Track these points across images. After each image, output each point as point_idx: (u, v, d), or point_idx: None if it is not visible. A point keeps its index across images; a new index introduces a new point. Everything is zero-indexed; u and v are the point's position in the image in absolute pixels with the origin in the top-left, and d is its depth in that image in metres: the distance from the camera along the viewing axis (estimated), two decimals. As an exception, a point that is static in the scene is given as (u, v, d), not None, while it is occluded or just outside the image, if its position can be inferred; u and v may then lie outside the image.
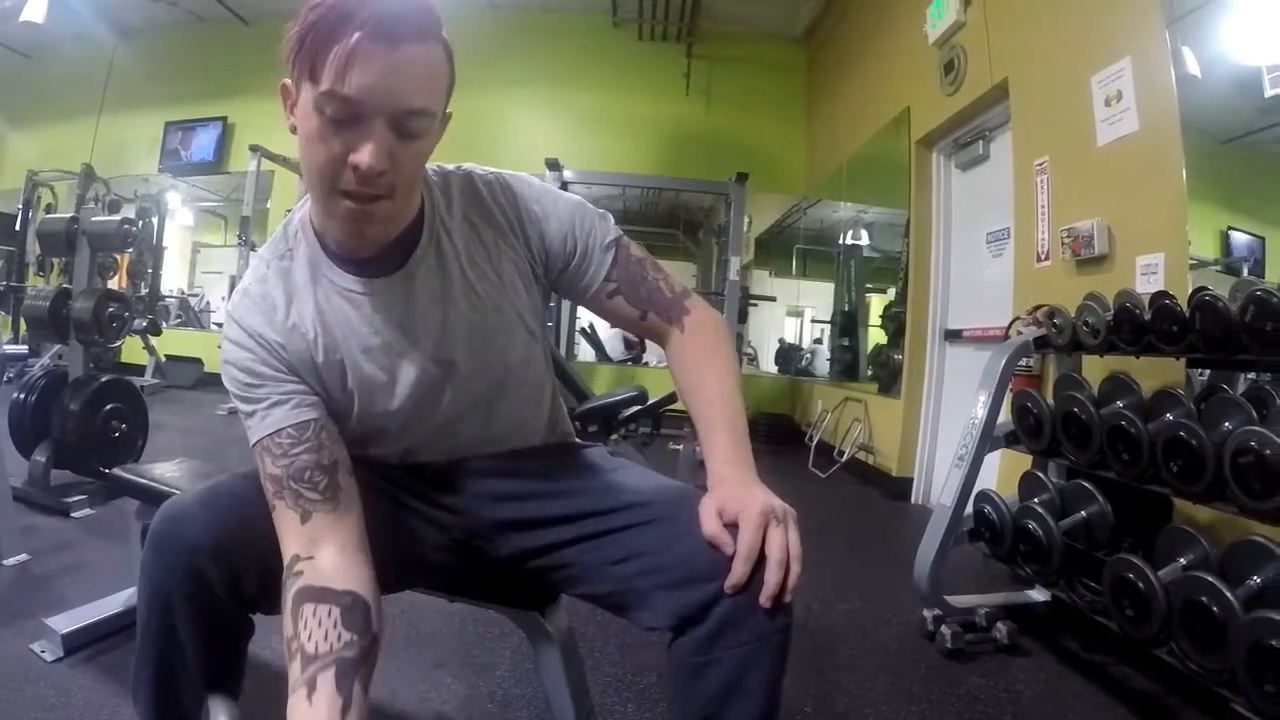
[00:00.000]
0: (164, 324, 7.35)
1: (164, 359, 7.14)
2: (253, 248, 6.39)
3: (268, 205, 7.41)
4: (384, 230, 0.89)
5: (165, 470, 1.81)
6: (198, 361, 7.52)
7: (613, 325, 1.12)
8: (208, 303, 11.09)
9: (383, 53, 0.75)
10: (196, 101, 7.86)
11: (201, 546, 0.83)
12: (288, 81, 0.83)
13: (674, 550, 0.86)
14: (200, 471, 1.87)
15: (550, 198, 1.03)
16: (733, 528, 0.81)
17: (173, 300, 9.31)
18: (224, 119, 7.76)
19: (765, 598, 0.77)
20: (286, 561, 0.85)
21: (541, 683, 1.23)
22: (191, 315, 9.72)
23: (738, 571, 0.78)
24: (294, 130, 0.83)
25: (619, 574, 0.91)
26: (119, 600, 1.88)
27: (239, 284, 0.96)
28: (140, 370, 6.76)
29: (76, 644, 1.73)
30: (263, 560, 0.86)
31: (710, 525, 0.82)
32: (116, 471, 1.79)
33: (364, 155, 0.77)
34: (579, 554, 0.96)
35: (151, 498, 1.72)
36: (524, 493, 1.03)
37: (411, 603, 1.07)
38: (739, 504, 0.82)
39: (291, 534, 0.86)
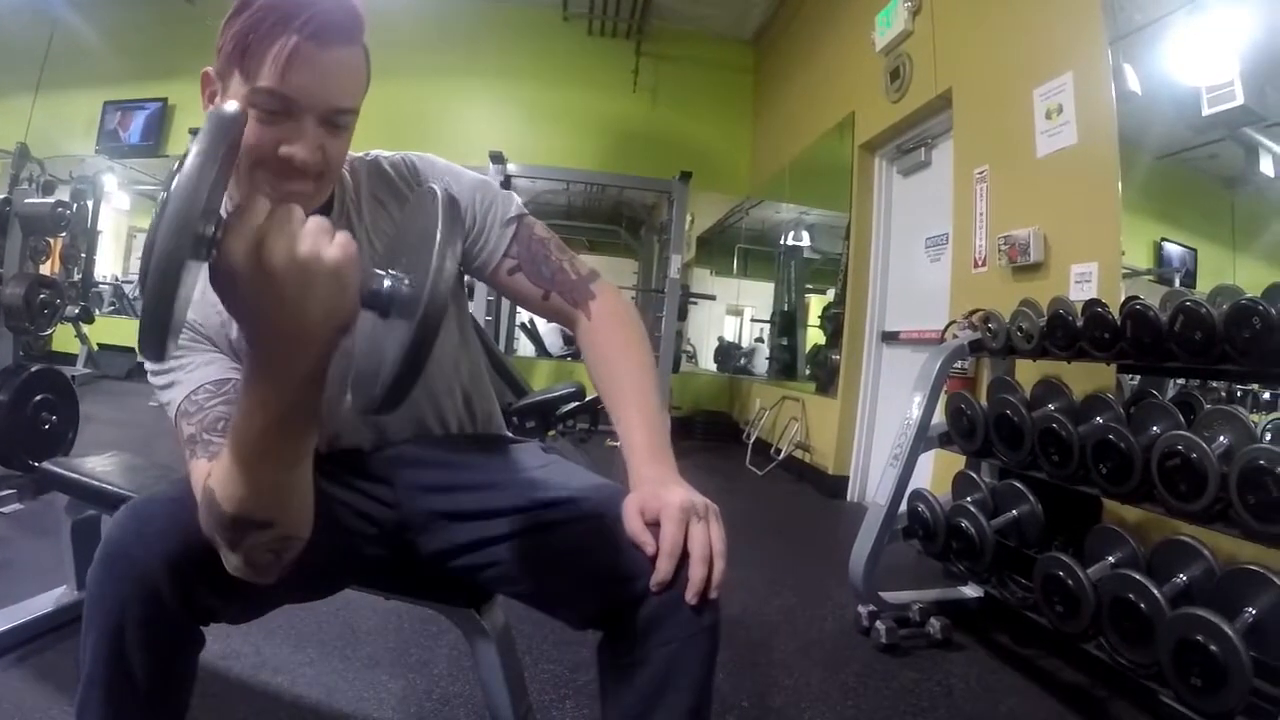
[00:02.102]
0: (97, 311, 7.02)
1: (96, 348, 6.85)
2: None
3: None
4: (311, 205, 0.86)
5: (97, 464, 1.74)
6: (131, 351, 7.17)
7: (518, 305, 1.11)
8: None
9: (318, 54, 0.80)
10: (137, 81, 7.50)
11: (154, 565, 0.77)
12: (210, 70, 0.85)
13: (599, 550, 0.85)
14: (133, 465, 1.82)
15: (453, 174, 1.05)
16: (655, 526, 0.80)
17: (106, 287, 8.84)
18: (164, 100, 7.43)
19: (691, 594, 0.77)
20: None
21: (479, 681, 1.22)
22: (126, 303, 9.28)
23: (662, 569, 0.77)
24: None
25: (546, 572, 0.92)
26: (50, 599, 1.80)
27: None
28: (72, 360, 6.46)
29: (5, 646, 1.65)
30: (215, 567, 0.79)
31: (632, 524, 0.81)
32: (46, 466, 1.72)
33: (298, 150, 0.81)
34: (506, 551, 0.95)
35: (82, 493, 1.70)
36: (453, 484, 1.02)
37: (346, 601, 1.03)
38: (659, 501, 0.81)
39: (202, 476, 0.78)
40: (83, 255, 6.97)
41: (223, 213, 0.58)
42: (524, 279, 1.03)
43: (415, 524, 1.02)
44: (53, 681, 1.55)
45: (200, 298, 0.86)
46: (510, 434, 1.22)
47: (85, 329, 6.52)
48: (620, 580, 0.81)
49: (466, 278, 1.17)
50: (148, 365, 0.87)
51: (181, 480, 0.86)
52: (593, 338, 1.03)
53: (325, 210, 0.95)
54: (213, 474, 0.74)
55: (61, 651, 1.67)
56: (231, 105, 0.60)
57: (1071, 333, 1.98)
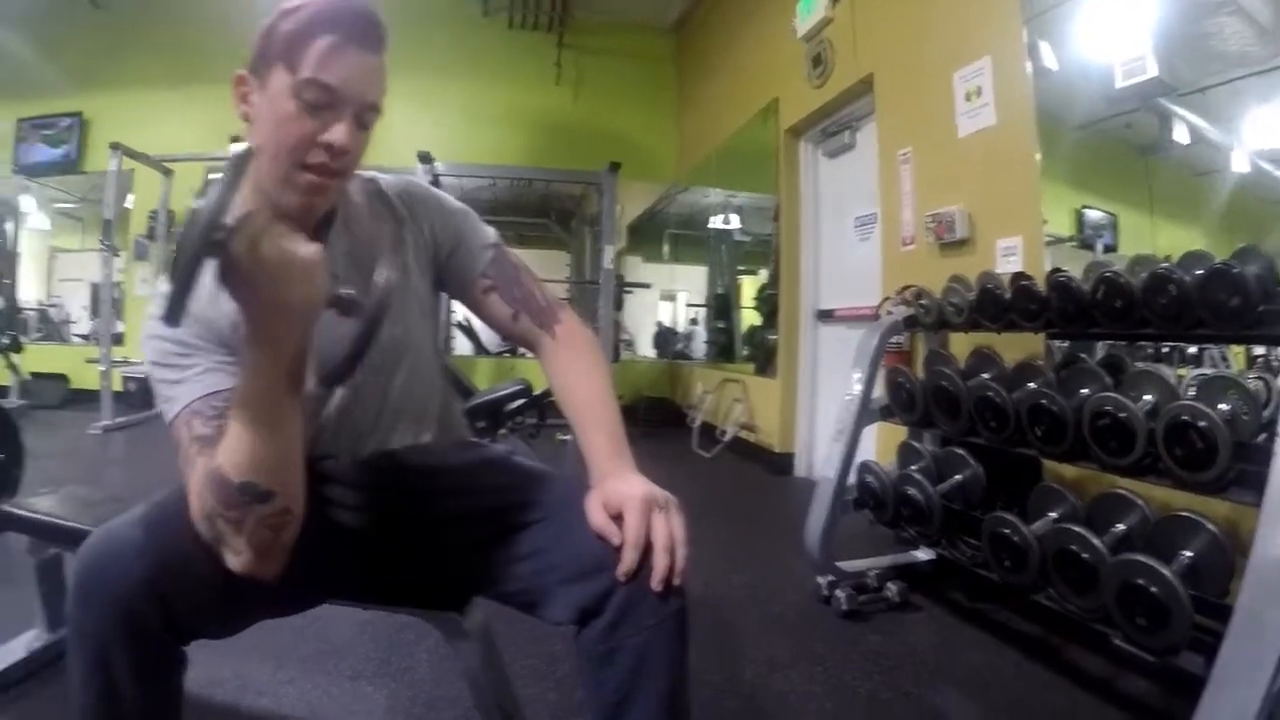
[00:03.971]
0: (24, 339, 6.67)
1: (28, 377, 6.47)
2: (115, 252, 5.88)
3: (127, 205, 6.84)
4: (325, 204, 0.98)
5: (54, 502, 1.72)
6: (63, 378, 6.88)
7: (488, 325, 1.17)
8: (69, 314, 10.10)
9: (357, 55, 0.90)
10: (50, 95, 7.07)
11: (131, 587, 0.79)
12: (242, 72, 0.93)
13: (567, 546, 0.91)
14: (89, 499, 1.79)
15: (444, 200, 1.15)
16: (618, 519, 0.86)
17: (31, 313, 8.39)
18: (79, 114, 7.03)
19: (656, 582, 0.83)
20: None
21: (465, 682, 1.25)
22: (53, 328, 8.80)
23: (627, 559, 0.84)
24: (245, 117, 0.94)
25: (521, 573, 0.96)
26: (21, 645, 1.76)
27: None
28: (2, 391, 6.10)
29: None
30: (194, 581, 0.83)
31: (597, 518, 0.88)
32: (4, 508, 1.68)
33: (338, 135, 0.89)
34: (484, 554, 0.99)
35: (45, 533, 1.66)
36: (431, 490, 1.05)
37: (318, 614, 1.04)
38: (620, 495, 0.88)
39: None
40: (4, 280, 6.61)
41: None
42: (497, 299, 1.10)
43: (393, 531, 1.04)
44: None
45: (211, 305, 0.91)
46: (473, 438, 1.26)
47: (15, 359, 6.19)
48: (588, 575, 0.86)
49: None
50: (157, 362, 0.92)
51: (144, 506, 0.88)
52: (557, 358, 1.10)
53: (328, 219, 1.02)
54: (221, 457, 0.80)
55: (40, 698, 1.64)
56: (242, 146, 0.71)
57: (1001, 305, 2.10)
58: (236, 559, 0.81)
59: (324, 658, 1.88)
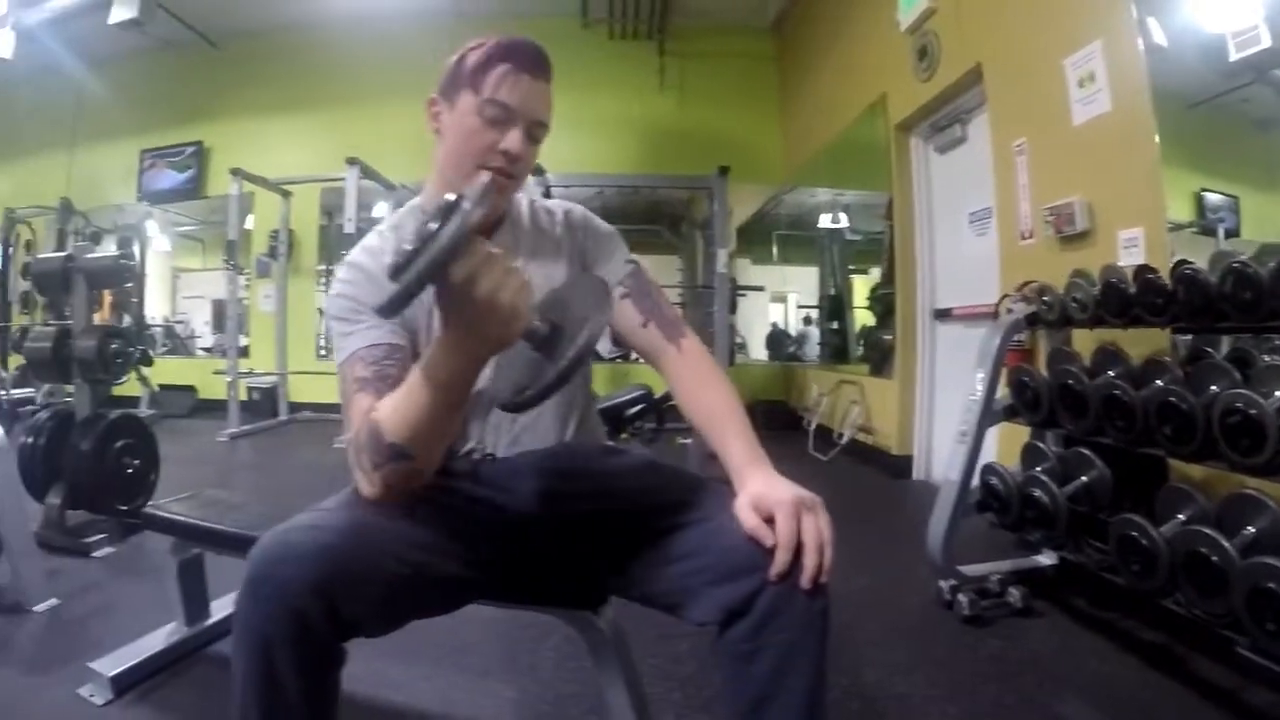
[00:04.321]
0: (152, 353, 7.24)
1: (157, 389, 7.04)
2: (239, 270, 6.36)
3: (247, 225, 7.33)
4: (502, 203, 1.19)
5: (193, 506, 1.84)
6: (191, 389, 7.47)
7: (615, 329, 1.26)
8: (193, 329, 10.99)
9: (528, 80, 1.11)
10: (170, 128, 7.77)
11: (300, 585, 0.84)
12: (434, 96, 1.16)
13: (715, 548, 0.94)
14: (227, 501, 1.91)
15: (596, 220, 1.32)
16: (769, 521, 0.90)
17: (158, 329, 9.22)
18: (199, 143, 7.68)
19: (807, 580, 0.87)
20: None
21: (597, 679, 1.29)
22: (178, 342, 9.61)
23: (781, 560, 0.87)
24: (436, 132, 1.17)
25: (670, 574, 0.99)
26: (161, 637, 1.89)
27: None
28: (134, 402, 6.61)
29: (125, 685, 1.73)
30: (361, 584, 0.88)
31: (750, 520, 0.91)
32: (149, 510, 1.83)
33: (513, 143, 1.10)
34: (629, 556, 1.04)
35: (189, 533, 1.78)
36: (575, 492, 1.11)
37: (448, 616, 1.13)
38: (771, 499, 0.92)
39: (367, 407, 1.01)
40: (134, 300, 7.26)
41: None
42: (630, 305, 1.21)
43: (540, 535, 1.11)
44: (173, 715, 1.65)
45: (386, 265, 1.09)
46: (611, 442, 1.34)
47: (146, 372, 6.68)
48: (737, 576, 0.90)
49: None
50: (335, 316, 1.12)
51: (313, 511, 0.96)
52: (683, 369, 1.17)
53: (499, 222, 1.22)
54: (382, 415, 0.95)
55: (177, 686, 1.78)
56: (469, 204, 0.80)
57: (1125, 300, 2.03)
58: (365, 487, 0.99)
59: (454, 655, 1.96)
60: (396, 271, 0.78)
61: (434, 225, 0.78)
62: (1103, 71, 2.64)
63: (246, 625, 0.85)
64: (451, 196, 0.80)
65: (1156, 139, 2.42)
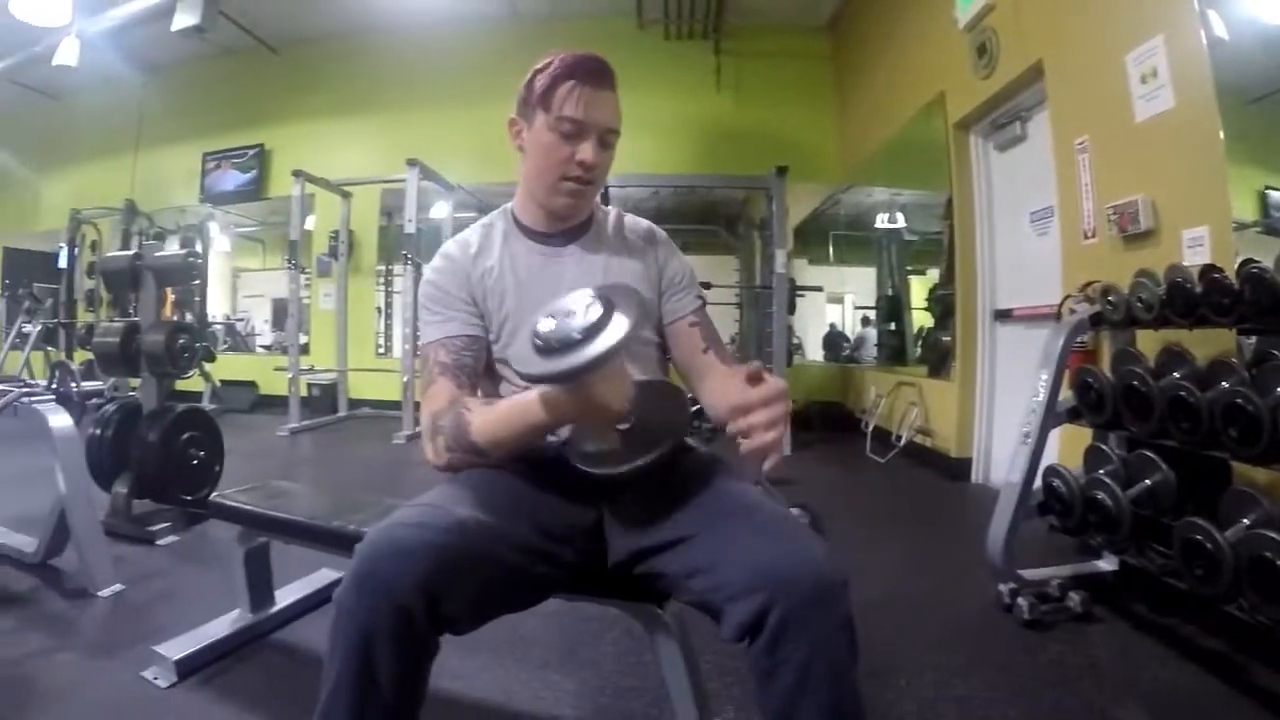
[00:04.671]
0: (214, 350, 7.55)
1: (219, 384, 7.32)
2: (301, 269, 6.52)
3: (307, 226, 7.49)
4: (584, 207, 1.34)
5: (262, 495, 1.89)
6: (252, 385, 7.69)
7: (676, 349, 1.38)
8: (253, 327, 11.39)
9: (594, 93, 1.22)
10: (232, 131, 8.00)
11: (407, 582, 0.87)
12: (514, 116, 1.29)
13: (725, 564, 0.96)
14: (292, 492, 1.97)
15: (675, 248, 1.45)
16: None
17: (219, 327, 9.60)
18: (260, 146, 7.91)
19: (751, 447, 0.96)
20: (448, 401, 1.18)
21: (657, 673, 1.31)
22: (239, 339, 9.99)
23: (754, 415, 0.97)
24: (520, 149, 1.29)
25: (696, 587, 1.01)
26: (226, 623, 1.95)
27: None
28: (195, 397, 6.85)
29: (189, 669, 1.76)
30: (461, 583, 0.92)
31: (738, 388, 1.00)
32: (217, 499, 1.88)
33: (587, 153, 1.22)
34: (664, 563, 1.07)
35: (256, 522, 1.82)
36: (648, 490, 1.13)
37: None
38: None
39: (449, 392, 1.19)
40: (196, 299, 7.54)
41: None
42: (699, 333, 1.35)
43: (614, 529, 1.16)
44: (238, 701, 1.68)
45: (474, 253, 1.31)
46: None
47: (208, 367, 7.00)
48: (747, 593, 0.91)
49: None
50: (424, 304, 1.28)
51: (414, 508, 1.00)
52: (729, 380, 1.18)
53: (586, 225, 1.37)
54: (474, 419, 1.11)
55: (241, 672, 1.82)
56: (620, 334, 0.92)
57: (1190, 300, 2.00)
58: (433, 457, 1.16)
59: (513, 647, 1.98)
60: (543, 351, 0.93)
61: (576, 326, 0.91)
62: (1165, 67, 2.58)
63: (350, 617, 0.89)
64: (597, 305, 0.93)
65: (1221, 135, 2.36)
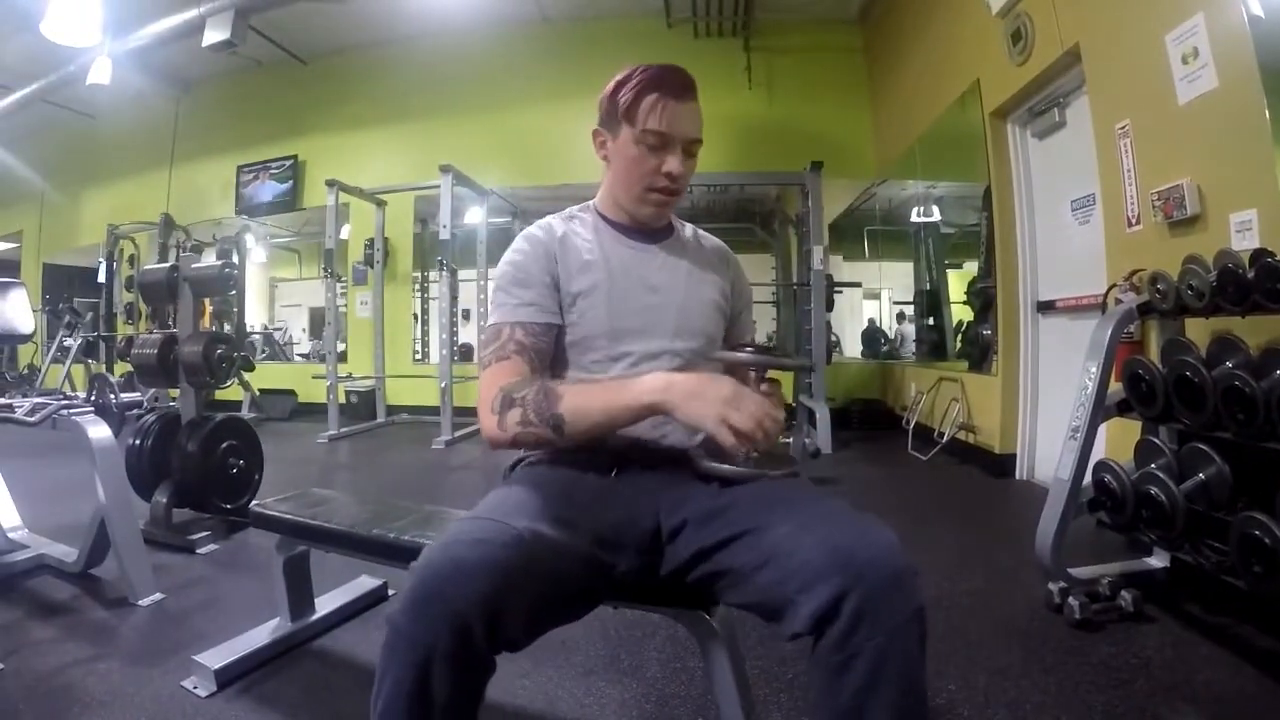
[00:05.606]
0: (253, 359, 7.68)
1: (258, 393, 7.42)
2: (337, 278, 6.61)
3: (343, 235, 7.58)
4: (667, 215, 1.40)
5: (301, 504, 1.87)
6: (291, 393, 7.78)
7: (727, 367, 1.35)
8: (291, 336, 11.57)
9: (677, 105, 1.24)
10: (265, 143, 8.17)
11: (468, 604, 0.84)
12: (599, 129, 1.32)
13: (800, 550, 0.92)
14: (333, 500, 1.92)
15: (742, 270, 1.50)
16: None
17: (257, 336, 9.77)
18: (294, 157, 8.04)
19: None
20: (523, 377, 1.20)
21: (702, 681, 1.30)
22: (277, 348, 10.16)
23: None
24: (605, 159, 1.34)
25: (762, 581, 0.97)
26: (265, 632, 1.94)
27: None
28: (235, 406, 6.97)
29: (229, 678, 1.76)
30: (522, 601, 0.90)
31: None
32: (257, 508, 1.87)
33: (673, 165, 1.26)
34: (729, 558, 1.04)
35: (296, 531, 1.81)
36: (692, 495, 1.14)
37: None
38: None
39: (523, 370, 1.21)
40: (234, 309, 7.68)
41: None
42: (747, 354, 1.32)
43: (667, 535, 1.14)
44: (275, 711, 1.67)
45: (557, 235, 1.33)
46: None
47: (247, 376, 7.11)
48: (821, 579, 0.88)
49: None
50: (499, 286, 1.30)
51: (479, 520, 0.97)
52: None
53: (668, 229, 1.42)
54: (565, 391, 1.12)
55: (280, 681, 1.81)
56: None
57: (1243, 286, 1.93)
58: (494, 430, 1.15)
59: (555, 654, 1.95)
60: (711, 456, 1.14)
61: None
62: (1206, 46, 2.50)
63: (407, 639, 0.85)
64: (739, 448, 1.04)
65: (1267, 115, 2.28)
